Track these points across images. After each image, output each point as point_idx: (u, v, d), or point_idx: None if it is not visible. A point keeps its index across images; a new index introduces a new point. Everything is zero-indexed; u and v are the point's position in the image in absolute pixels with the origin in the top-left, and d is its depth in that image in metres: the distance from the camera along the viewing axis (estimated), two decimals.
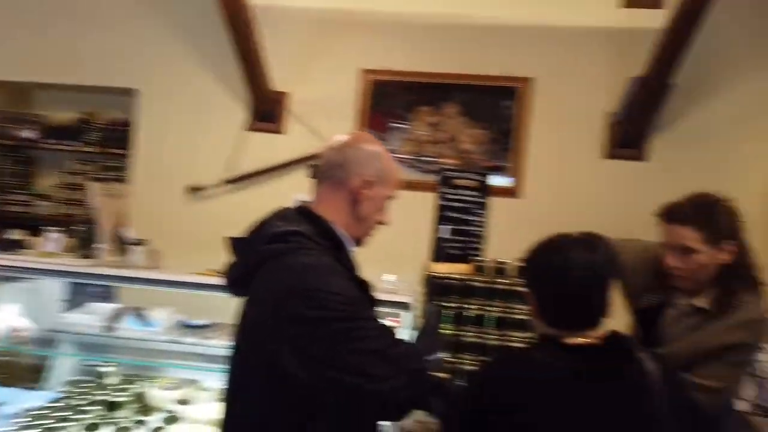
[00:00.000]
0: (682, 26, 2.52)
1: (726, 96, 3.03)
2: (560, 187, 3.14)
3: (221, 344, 2.12)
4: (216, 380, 2.08)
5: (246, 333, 1.19)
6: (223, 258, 1.27)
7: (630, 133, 3.03)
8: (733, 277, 1.66)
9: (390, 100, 3.30)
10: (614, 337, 1.20)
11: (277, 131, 3.38)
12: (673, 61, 2.66)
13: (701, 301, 1.72)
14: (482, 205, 2.31)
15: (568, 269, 1.19)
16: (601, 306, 1.22)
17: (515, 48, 3.21)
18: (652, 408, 1.13)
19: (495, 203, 2.36)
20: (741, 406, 2.51)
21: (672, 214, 1.66)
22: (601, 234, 1.27)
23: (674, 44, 2.59)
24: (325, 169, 1.34)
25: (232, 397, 1.21)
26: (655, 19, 2.72)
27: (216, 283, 1.48)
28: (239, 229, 1.26)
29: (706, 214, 1.63)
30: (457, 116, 3.25)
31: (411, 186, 2.89)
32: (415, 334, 1.52)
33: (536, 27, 3.18)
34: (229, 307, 1.30)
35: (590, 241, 1.23)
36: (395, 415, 1.31)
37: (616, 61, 3.07)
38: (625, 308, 1.94)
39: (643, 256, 1.88)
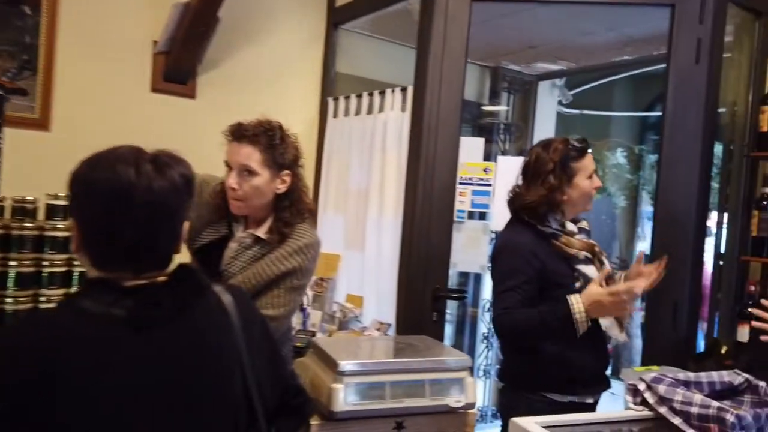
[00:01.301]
0: None
1: (269, 35, 3.15)
2: (100, 121, 2.70)
3: None
4: None
5: None
6: None
7: (177, 66, 2.83)
8: (289, 207, 1.70)
9: None
10: (182, 271, 0.99)
11: None
12: None
13: (260, 231, 1.70)
14: None
15: (127, 190, 0.91)
16: (171, 240, 0.99)
17: None
18: (232, 344, 0.98)
19: (15, 135, 1.81)
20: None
21: (239, 133, 1.60)
22: (177, 152, 1.02)
23: None
24: None
25: None
26: None
27: None
28: None
29: (270, 138, 1.62)
30: None
31: None
32: None
33: None
34: None
35: (160, 158, 0.97)
36: None
37: None
38: (186, 246, 1.78)
39: (203, 190, 1.79)
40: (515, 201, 1.93)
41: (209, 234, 1.73)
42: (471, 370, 1.33)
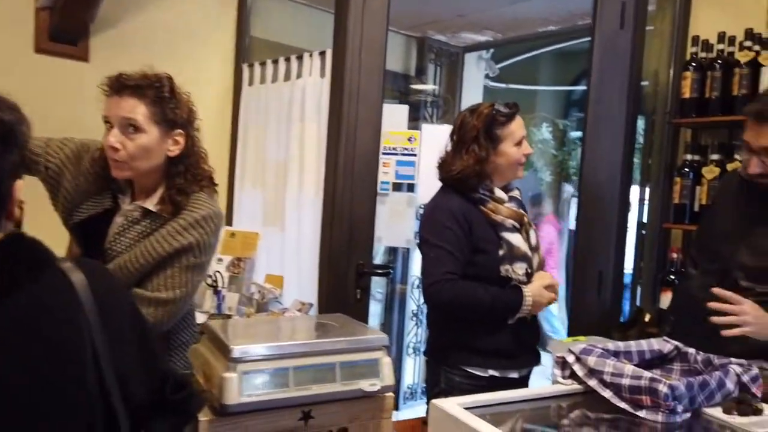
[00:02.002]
0: None
1: None
2: None
3: None
4: None
5: None
6: None
7: (64, 24, 2.51)
8: (184, 173, 1.49)
9: None
10: (13, 242, 0.78)
11: None
12: None
13: (150, 203, 1.48)
14: None
15: None
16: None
17: None
18: (78, 331, 0.78)
19: None
20: (201, 318, 2.49)
21: (119, 85, 1.37)
22: (7, 97, 0.81)
23: None
24: None
25: None
26: None
27: None
28: None
29: (158, 90, 1.40)
30: None
31: None
32: None
33: None
34: None
35: None
36: None
37: None
38: (62, 222, 1.54)
39: (82, 156, 1.54)
40: (442, 169, 1.83)
41: (90, 207, 1.49)
42: (388, 349, 1.18)
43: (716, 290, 1.52)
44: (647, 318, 2.47)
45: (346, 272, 2.47)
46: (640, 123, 2.77)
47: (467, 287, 1.71)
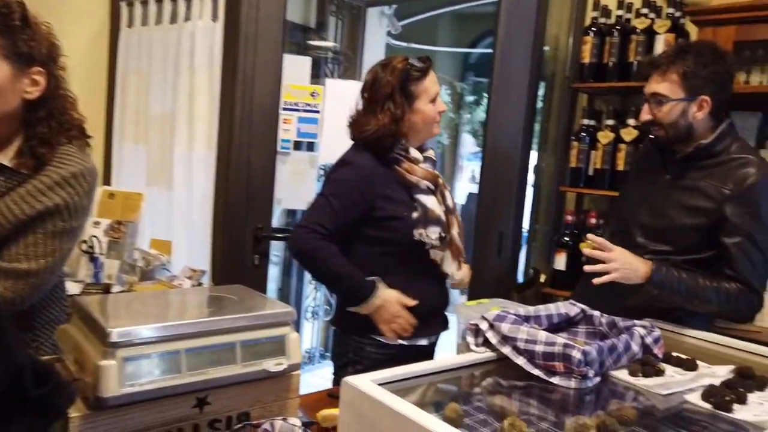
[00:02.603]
0: None
1: None
2: None
3: None
4: None
5: None
6: None
7: None
8: (47, 120, 1.25)
9: None
10: None
11: None
12: None
13: (5, 156, 1.24)
14: None
15: None
16: None
17: None
18: None
19: None
20: (75, 288, 2.23)
21: None
22: None
23: None
24: None
25: None
26: None
27: None
28: None
29: (5, 18, 1.15)
30: None
31: None
32: None
33: None
34: None
35: None
36: None
37: None
38: None
39: None
40: (355, 129, 1.72)
41: None
42: (297, 324, 1.07)
43: (589, 236, 1.57)
44: (543, 279, 2.54)
45: (243, 237, 2.31)
46: (541, 89, 2.80)
47: (328, 250, 1.62)
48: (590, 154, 2.49)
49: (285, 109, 2.34)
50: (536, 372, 1.16)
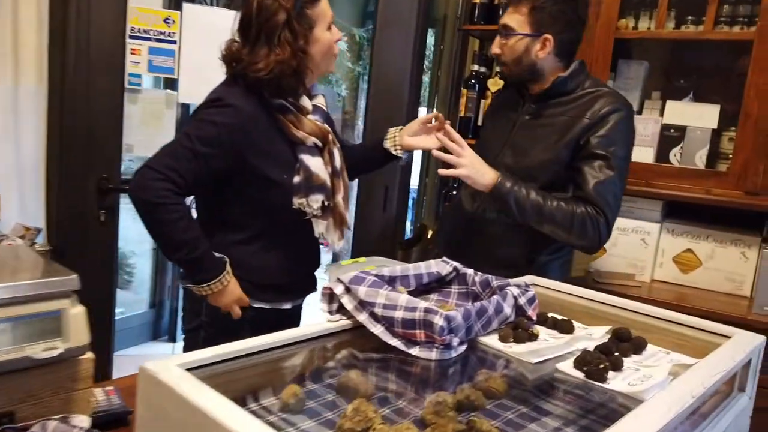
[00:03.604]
0: None
1: None
2: None
3: None
4: None
5: None
6: None
7: None
8: None
9: None
10: None
11: None
12: None
13: None
14: None
15: None
16: None
17: None
18: None
19: None
20: None
21: None
22: None
23: None
24: None
25: None
26: None
27: None
28: None
29: None
30: None
31: None
32: None
33: None
34: None
35: None
36: None
37: None
38: None
39: None
40: (237, 65, 1.39)
41: None
42: (78, 294, 0.82)
43: (447, 127, 1.57)
44: (430, 234, 2.41)
45: (84, 189, 1.98)
46: (432, 36, 2.62)
47: (176, 206, 1.34)
48: (480, 103, 2.35)
49: (133, 37, 1.99)
50: (394, 342, 0.99)
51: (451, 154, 1.52)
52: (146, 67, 1.99)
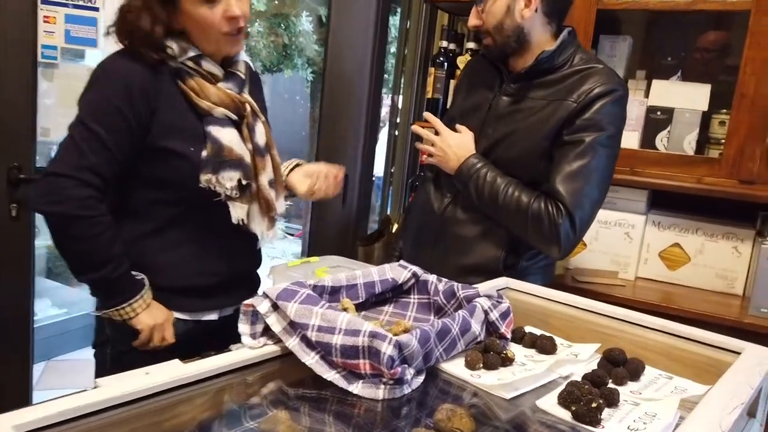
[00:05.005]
0: None
1: None
2: None
3: None
4: None
5: None
6: None
7: None
8: None
9: None
10: None
11: None
12: None
13: None
14: None
15: None
16: None
17: None
18: None
19: None
20: None
21: None
22: None
23: None
24: None
25: None
26: None
27: None
28: None
29: None
30: None
31: None
32: None
33: None
34: None
35: None
36: None
37: None
38: None
39: None
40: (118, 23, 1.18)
41: None
42: None
43: (426, 114, 1.50)
44: (394, 228, 2.19)
45: None
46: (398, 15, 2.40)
47: (100, 218, 1.13)
48: (449, 83, 2.13)
49: (46, 2, 1.71)
50: (330, 376, 0.77)
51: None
52: (63, 38, 1.72)
